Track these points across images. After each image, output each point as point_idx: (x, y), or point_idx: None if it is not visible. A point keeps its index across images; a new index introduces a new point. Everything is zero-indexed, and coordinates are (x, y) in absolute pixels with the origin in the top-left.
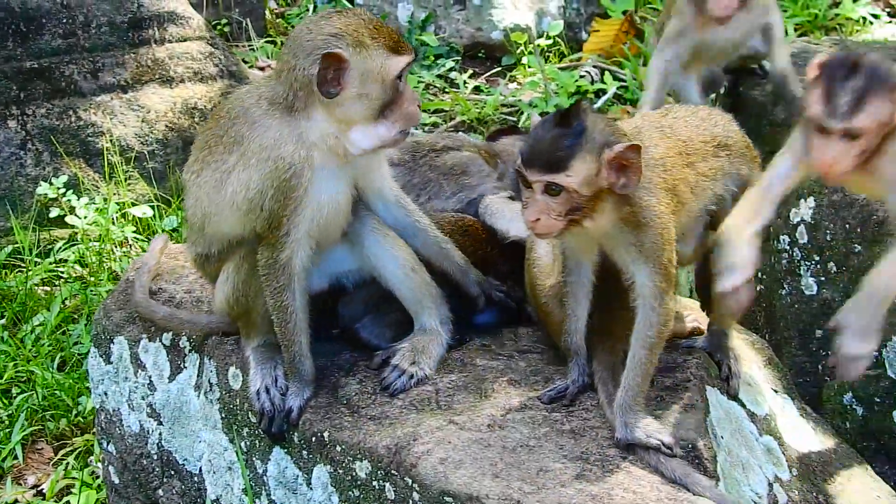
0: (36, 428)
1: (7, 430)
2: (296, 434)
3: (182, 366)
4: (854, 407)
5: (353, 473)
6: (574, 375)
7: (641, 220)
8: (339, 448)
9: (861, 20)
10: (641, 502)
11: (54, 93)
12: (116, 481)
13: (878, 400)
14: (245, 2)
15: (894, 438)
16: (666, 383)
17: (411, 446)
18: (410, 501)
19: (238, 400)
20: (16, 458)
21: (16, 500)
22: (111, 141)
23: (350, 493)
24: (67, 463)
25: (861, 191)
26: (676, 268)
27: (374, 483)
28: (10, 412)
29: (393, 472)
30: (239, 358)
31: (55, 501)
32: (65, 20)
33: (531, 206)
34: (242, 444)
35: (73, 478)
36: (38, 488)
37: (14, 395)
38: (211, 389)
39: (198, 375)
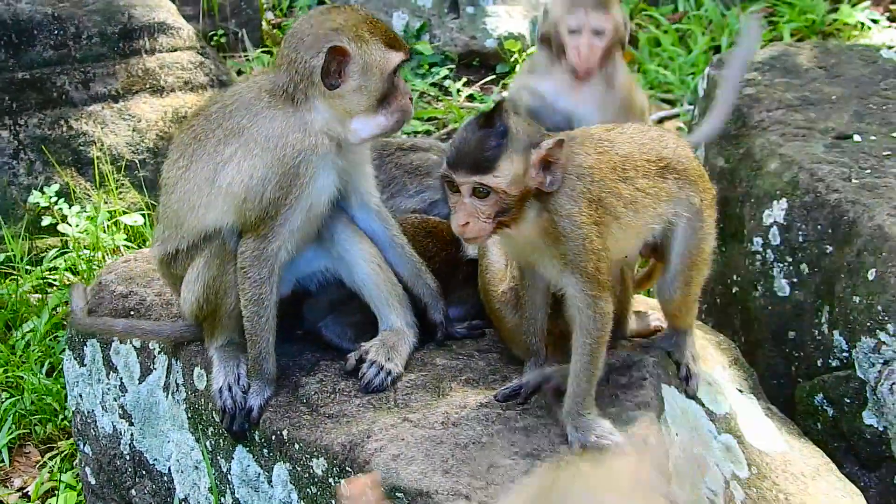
0: (24, 431)
1: None
2: (257, 433)
3: (151, 367)
4: (825, 408)
5: (311, 471)
6: (530, 374)
7: (560, 231)
8: (297, 446)
9: (859, 25)
10: None
11: (46, 103)
12: (93, 482)
13: (847, 401)
14: (241, 13)
15: (863, 439)
16: (621, 381)
17: (365, 443)
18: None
19: (203, 400)
20: (2, 461)
21: (1, 502)
22: (102, 150)
23: (308, 489)
24: (52, 466)
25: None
26: (608, 273)
27: (330, 480)
28: None
29: (347, 468)
30: (204, 359)
31: (39, 503)
32: (56, 32)
33: (459, 211)
34: (208, 443)
35: (58, 480)
36: (24, 491)
37: (3, 399)
38: (178, 390)
39: (166, 376)
